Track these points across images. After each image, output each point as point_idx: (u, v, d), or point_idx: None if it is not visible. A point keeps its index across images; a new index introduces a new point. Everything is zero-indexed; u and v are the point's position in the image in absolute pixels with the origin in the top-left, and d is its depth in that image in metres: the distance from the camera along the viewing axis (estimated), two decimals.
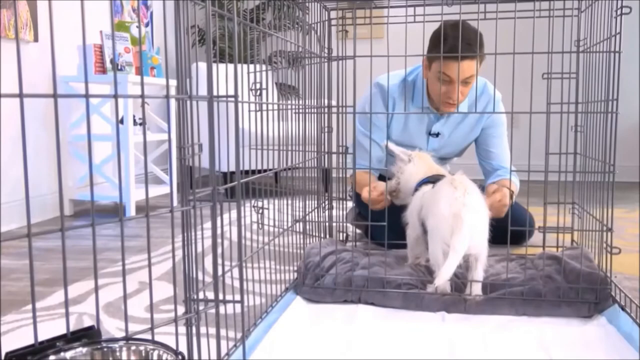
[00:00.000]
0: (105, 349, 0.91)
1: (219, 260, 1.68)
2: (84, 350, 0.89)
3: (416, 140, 2.37)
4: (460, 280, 1.70)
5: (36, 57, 3.07)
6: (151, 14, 4.31)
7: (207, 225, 2.49)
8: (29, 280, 2.04)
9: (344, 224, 2.37)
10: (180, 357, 0.90)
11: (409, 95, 2.31)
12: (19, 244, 2.56)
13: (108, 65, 3.30)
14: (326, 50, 2.11)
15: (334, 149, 2.12)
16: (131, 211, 3.26)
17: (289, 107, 1.94)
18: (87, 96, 0.85)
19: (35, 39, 3.05)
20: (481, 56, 2.08)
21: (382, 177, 2.41)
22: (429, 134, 2.36)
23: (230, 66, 3.66)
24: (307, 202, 2.03)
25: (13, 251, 2.45)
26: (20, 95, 0.77)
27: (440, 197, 1.66)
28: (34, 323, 0.85)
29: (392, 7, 1.91)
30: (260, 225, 2.16)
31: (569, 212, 1.92)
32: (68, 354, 0.88)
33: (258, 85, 1.76)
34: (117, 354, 0.92)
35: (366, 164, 2.28)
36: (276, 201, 2.06)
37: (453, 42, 1.86)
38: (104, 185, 3.48)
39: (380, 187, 2.07)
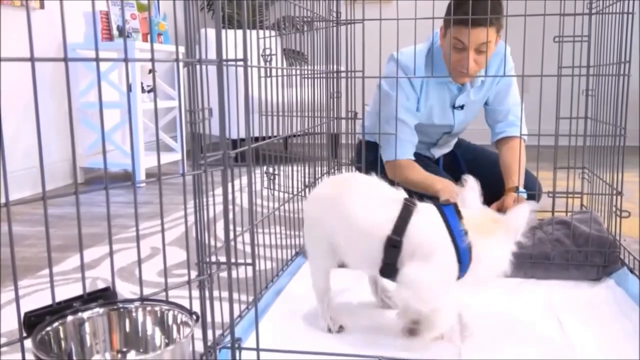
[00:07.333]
0: (121, 310, 0.93)
1: (230, 225, 1.69)
2: (101, 310, 0.91)
3: (441, 117, 2.25)
4: None
5: (43, 25, 3.06)
6: None
7: (218, 191, 2.50)
8: (43, 246, 2.07)
9: None
10: (194, 317, 0.92)
11: (430, 67, 2.14)
12: (31, 211, 2.59)
13: (115, 32, 3.28)
14: (334, 14, 2.08)
15: (343, 115, 2.12)
16: (141, 178, 3.28)
17: (298, 72, 1.93)
18: (97, 60, 0.85)
19: (42, 6, 3.03)
20: (497, 24, 1.95)
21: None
22: (454, 107, 2.25)
23: (239, 32, 3.64)
24: (316, 167, 2.03)
25: (26, 218, 2.48)
26: (32, 59, 0.77)
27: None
28: (51, 284, 0.87)
29: None
30: (270, 191, 2.17)
31: (579, 177, 1.91)
32: (85, 314, 0.90)
33: (268, 52, 1.75)
34: (133, 314, 0.93)
35: (406, 150, 2.15)
36: (286, 167, 2.06)
37: (468, 8, 1.76)
38: (113, 152, 3.49)
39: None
